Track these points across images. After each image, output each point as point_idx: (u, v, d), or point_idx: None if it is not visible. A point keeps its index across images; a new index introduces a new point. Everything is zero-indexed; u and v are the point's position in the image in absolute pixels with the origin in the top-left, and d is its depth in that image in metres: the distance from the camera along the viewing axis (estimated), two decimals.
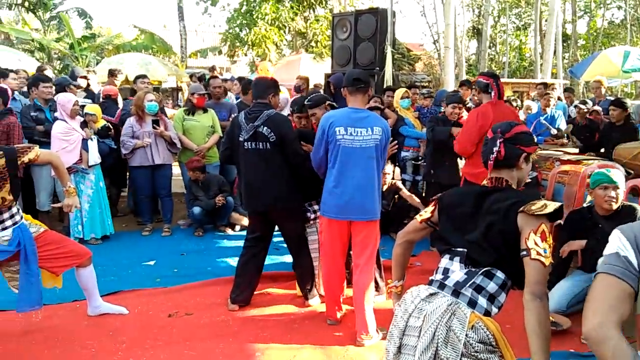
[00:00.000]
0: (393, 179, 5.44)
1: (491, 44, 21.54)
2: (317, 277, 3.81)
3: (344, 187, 3.20)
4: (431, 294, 1.90)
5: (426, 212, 2.14)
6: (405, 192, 5.29)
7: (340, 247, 3.36)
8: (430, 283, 1.98)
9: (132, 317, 3.56)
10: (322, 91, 7.12)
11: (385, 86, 6.74)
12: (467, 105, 5.98)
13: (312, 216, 3.82)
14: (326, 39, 11.71)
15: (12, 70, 6.02)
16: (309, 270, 3.77)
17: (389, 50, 6.85)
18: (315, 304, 3.75)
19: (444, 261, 1.99)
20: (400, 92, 6.29)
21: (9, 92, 5.08)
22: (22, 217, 3.15)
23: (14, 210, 3.07)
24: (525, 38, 23.08)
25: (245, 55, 14.07)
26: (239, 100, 6.81)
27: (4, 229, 3.02)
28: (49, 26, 18.82)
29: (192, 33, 19.37)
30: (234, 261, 4.26)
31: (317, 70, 10.46)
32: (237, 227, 5.80)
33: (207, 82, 6.90)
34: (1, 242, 3.01)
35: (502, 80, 4.52)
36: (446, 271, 1.95)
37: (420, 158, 5.91)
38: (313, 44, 12.37)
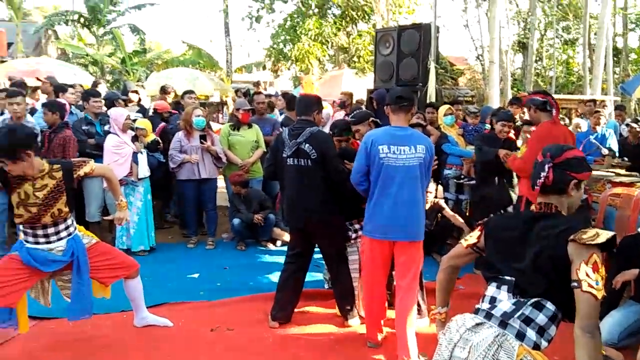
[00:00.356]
0: (436, 197, 5.37)
1: (537, 58, 21.01)
2: (357, 297, 3.79)
3: (386, 206, 3.17)
4: (477, 324, 1.86)
5: (472, 237, 2.11)
6: (448, 211, 5.21)
7: (382, 268, 3.33)
8: (477, 312, 1.93)
9: (177, 330, 3.64)
10: (364, 107, 7.16)
11: (427, 102, 6.69)
12: (517, 124, 5.83)
13: (354, 235, 3.82)
14: (368, 54, 11.75)
15: (70, 85, 6.32)
16: (348, 290, 3.75)
17: (432, 65, 6.81)
18: (355, 324, 3.72)
19: (491, 289, 1.94)
20: (443, 108, 6.22)
21: (67, 106, 5.34)
22: (75, 229, 3.28)
23: (69, 221, 3.20)
24: (574, 52, 22.39)
25: (289, 69, 14.28)
26: (283, 115, 6.91)
27: (59, 239, 3.14)
28: (102, 41, 19.70)
29: (238, 47, 19.88)
30: (275, 277, 4.30)
31: (359, 85, 10.50)
32: (279, 243, 5.85)
33: (252, 97, 7.04)
34: (56, 252, 3.13)
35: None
36: (493, 300, 1.90)
37: (463, 176, 5.81)
38: (355, 59, 12.43)
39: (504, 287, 1.89)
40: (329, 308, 4.01)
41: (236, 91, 9.34)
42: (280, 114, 7.12)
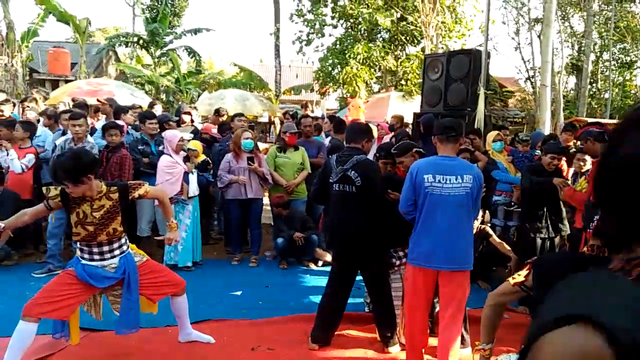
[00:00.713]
0: (482, 223, 5.26)
1: (592, 80, 20.32)
2: (399, 325, 3.75)
3: (431, 235, 3.16)
4: None
5: (520, 276, 2.07)
6: (495, 238, 5.09)
7: (425, 297, 3.30)
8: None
9: (219, 347, 3.72)
10: (410, 131, 7.15)
11: (476, 127, 6.59)
12: (571, 151, 5.64)
13: (397, 262, 3.80)
14: (416, 77, 11.72)
15: (129, 107, 6.66)
16: (390, 317, 3.72)
17: (481, 91, 6.72)
18: (395, 351, 3.68)
19: None
20: (492, 134, 6.13)
21: (125, 127, 5.62)
22: (128, 247, 3.44)
23: (123, 240, 3.36)
24: (631, 75, 21.49)
25: (335, 91, 14.45)
26: (329, 137, 7.01)
27: (113, 257, 3.30)
28: (159, 61, 20.62)
29: (286, 68, 20.28)
30: (316, 297, 4.32)
31: (405, 108, 10.48)
32: (320, 263, 5.88)
33: (299, 120, 7.18)
34: (109, 269, 3.29)
35: (604, 120, 4.26)
36: None
37: (513, 203, 5.67)
38: (403, 82, 12.43)
39: None
40: (369, 332, 3.99)
41: (284, 113, 9.53)
42: (326, 136, 7.21)
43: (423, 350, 3.44)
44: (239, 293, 4.93)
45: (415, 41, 12.87)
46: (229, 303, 4.66)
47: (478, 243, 5.14)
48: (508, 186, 5.71)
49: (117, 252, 3.30)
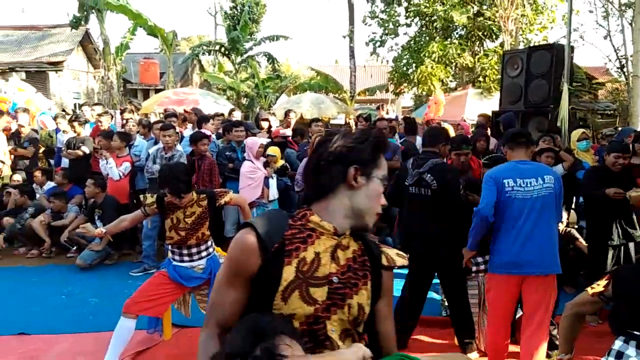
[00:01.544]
0: (567, 226, 5.04)
1: None
2: (476, 331, 3.71)
3: (515, 241, 3.09)
4: None
5: (599, 286, 2.02)
6: (581, 241, 4.85)
7: (510, 305, 3.24)
8: None
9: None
10: (488, 130, 6.96)
11: (558, 125, 6.30)
12: None
13: (474, 269, 3.76)
14: (495, 73, 11.30)
15: (211, 117, 7.07)
16: (468, 323, 3.70)
17: (565, 87, 6.41)
18: (474, 357, 3.65)
19: (618, 343, 1.85)
20: (577, 133, 5.84)
21: (211, 137, 5.99)
22: (214, 249, 3.70)
23: (209, 243, 3.64)
24: None
25: (410, 90, 14.29)
26: (403, 139, 6.99)
27: (200, 258, 3.58)
28: (239, 68, 21.52)
29: (361, 69, 20.35)
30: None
31: (484, 106, 10.15)
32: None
33: (374, 123, 7.24)
34: (197, 269, 3.57)
35: None
36: (620, 355, 1.81)
37: None
38: (480, 78, 12.04)
39: (633, 343, 1.80)
40: (445, 338, 3.98)
41: (358, 117, 9.61)
42: (400, 137, 7.20)
43: (505, 355, 3.39)
44: None
45: (494, 36, 12.41)
46: None
47: (563, 246, 4.93)
48: None
49: (204, 254, 3.57)
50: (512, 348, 3.41)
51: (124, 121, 7.87)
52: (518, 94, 6.77)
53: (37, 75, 16.28)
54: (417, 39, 12.83)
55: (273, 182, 5.77)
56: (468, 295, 3.72)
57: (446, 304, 4.15)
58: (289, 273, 1.31)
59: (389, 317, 1.53)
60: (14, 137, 7.65)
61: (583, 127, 6.30)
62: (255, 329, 1.20)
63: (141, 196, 3.60)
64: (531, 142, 3.25)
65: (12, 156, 7.58)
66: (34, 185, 7.30)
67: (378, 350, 1.47)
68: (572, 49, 6.76)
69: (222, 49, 20.79)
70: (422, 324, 4.09)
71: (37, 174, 7.38)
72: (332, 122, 12.86)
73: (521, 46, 10.76)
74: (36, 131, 8.25)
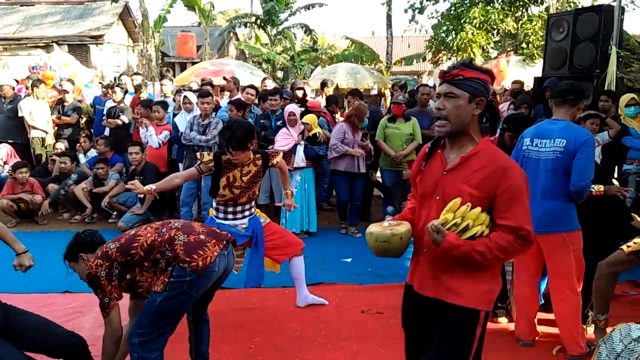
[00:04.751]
0: None
1: None
2: (510, 298, 3.67)
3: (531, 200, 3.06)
4: None
5: (636, 244, 1.94)
6: None
7: (530, 264, 3.21)
8: None
9: (331, 308, 3.93)
10: (532, 97, 6.72)
11: (605, 90, 6.01)
12: None
13: None
14: (539, 39, 10.82)
15: (244, 87, 7.07)
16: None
17: (613, 50, 6.08)
18: (504, 322, 3.64)
19: None
20: (625, 98, 5.56)
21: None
22: (255, 209, 3.76)
23: (253, 202, 3.71)
24: None
25: (450, 59, 13.88)
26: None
27: (244, 217, 3.64)
28: (275, 40, 21.44)
29: (398, 39, 19.92)
30: None
31: (526, 73, 9.79)
32: None
33: (417, 89, 7.12)
34: (240, 228, 3.62)
35: None
36: None
37: None
38: (524, 45, 11.56)
39: None
40: None
41: (393, 85, 9.44)
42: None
43: (535, 320, 3.34)
44: (349, 260, 5.12)
45: (539, 0, 11.85)
46: (339, 269, 4.88)
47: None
48: None
49: (247, 212, 3.65)
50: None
51: (162, 87, 7.98)
52: (563, 59, 6.48)
53: (79, 49, 16.67)
54: (457, 5, 12.37)
55: (300, 150, 5.74)
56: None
57: None
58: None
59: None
60: (58, 105, 7.90)
61: (632, 91, 5.99)
62: None
63: (198, 154, 3.65)
64: (580, 99, 3.10)
65: (56, 125, 7.85)
66: (77, 153, 7.56)
67: None
68: (622, 10, 6.39)
69: (258, 21, 20.72)
70: None
71: (82, 140, 7.64)
72: (369, 93, 12.72)
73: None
74: (80, 101, 8.50)
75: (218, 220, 3.60)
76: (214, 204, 3.64)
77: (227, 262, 2.61)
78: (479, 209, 1.77)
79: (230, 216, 3.60)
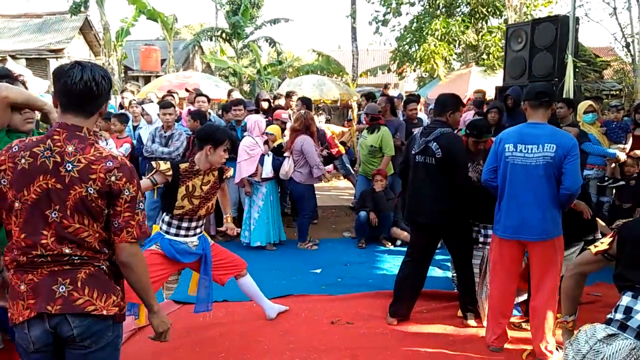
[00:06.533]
0: None
1: None
2: (478, 301, 3.68)
3: (513, 206, 3.09)
4: (610, 335, 1.73)
5: (603, 244, 1.95)
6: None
7: (509, 269, 3.23)
8: (609, 322, 1.80)
9: (300, 320, 3.85)
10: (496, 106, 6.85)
11: (563, 97, 6.18)
12: None
13: (481, 239, 3.71)
14: (499, 50, 11.12)
15: (197, 94, 6.95)
16: (471, 290, 3.68)
17: (570, 59, 6.28)
18: (474, 325, 3.65)
19: (626, 299, 1.80)
20: (584, 105, 5.74)
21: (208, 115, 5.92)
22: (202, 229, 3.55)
23: (205, 220, 3.52)
24: None
25: (414, 71, 14.08)
26: (404, 117, 6.93)
27: (195, 234, 3.41)
28: (241, 53, 21.34)
29: (364, 52, 20.12)
30: (394, 276, 4.30)
31: (487, 83, 10.03)
32: (398, 242, 5.87)
33: (374, 100, 7.19)
34: (191, 245, 3.38)
35: None
36: (628, 310, 1.75)
37: (607, 178, 5.29)
38: (484, 56, 11.86)
39: None
40: (448, 309, 3.95)
41: (362, 95, 9.51)
42: (403, 116, 7.14)
43: (507, 323, 3.35)
44: (318, 271, 5.05)
45: (498, 12, 12.20)
46: (309, 280, 4.79)
47: None
48: (601, 159, 5.34)
49: (198, 230, 3.42)
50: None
51: (122, 99, 7.80)
52: (522, 68, 6.65)
53: (38, 62, 16.20)
54: (419, 17, 12.61)
55: (268, 160, 5.67)
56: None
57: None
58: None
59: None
60: None
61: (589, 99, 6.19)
62: None
63: (153, 163, 3.39)
64: (553, 100, 3.16)
65: None
66: None
67: None
68: (577, 20, 6.62)
69: (224, 35, 20.60)
70: (428, 298, 4.07)
71: None
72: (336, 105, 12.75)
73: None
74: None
75: (168, 236, 3.34)
76: (167, 218, 3.36)
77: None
78: None
79: (182, 232, 3.35)
